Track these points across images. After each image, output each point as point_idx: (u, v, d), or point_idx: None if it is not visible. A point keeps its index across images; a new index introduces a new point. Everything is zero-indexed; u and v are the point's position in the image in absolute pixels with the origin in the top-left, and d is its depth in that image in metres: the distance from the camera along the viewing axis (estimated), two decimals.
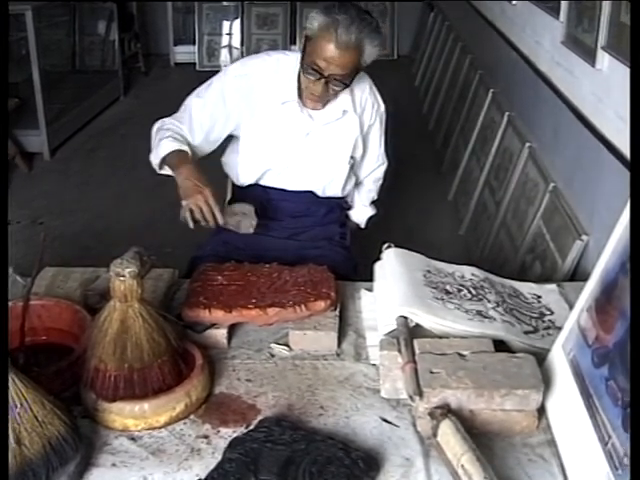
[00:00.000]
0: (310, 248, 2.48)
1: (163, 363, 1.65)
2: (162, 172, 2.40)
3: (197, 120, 2.45)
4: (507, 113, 4.22)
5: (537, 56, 3.79)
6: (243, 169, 2.57)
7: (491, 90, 4.70)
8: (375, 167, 2.79)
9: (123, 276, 1.61)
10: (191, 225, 2.23)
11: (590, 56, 2.79)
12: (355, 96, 2.53)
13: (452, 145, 5.46)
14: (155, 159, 2.38)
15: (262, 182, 2.57)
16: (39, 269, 1.94)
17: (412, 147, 6.04)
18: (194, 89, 2.54)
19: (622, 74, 2.45)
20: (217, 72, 2.56)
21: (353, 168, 2.69)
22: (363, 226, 2.90)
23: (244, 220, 2.35)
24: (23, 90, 6.13)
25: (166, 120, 2.46)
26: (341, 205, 2.76)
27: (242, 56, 8.51)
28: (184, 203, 2.24)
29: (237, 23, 8.75)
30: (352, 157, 2.62)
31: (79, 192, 5.29)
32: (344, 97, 2.47)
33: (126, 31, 8.05)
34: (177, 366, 1.68)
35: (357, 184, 2.80)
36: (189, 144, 2.42)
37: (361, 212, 2.88)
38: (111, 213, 4.86)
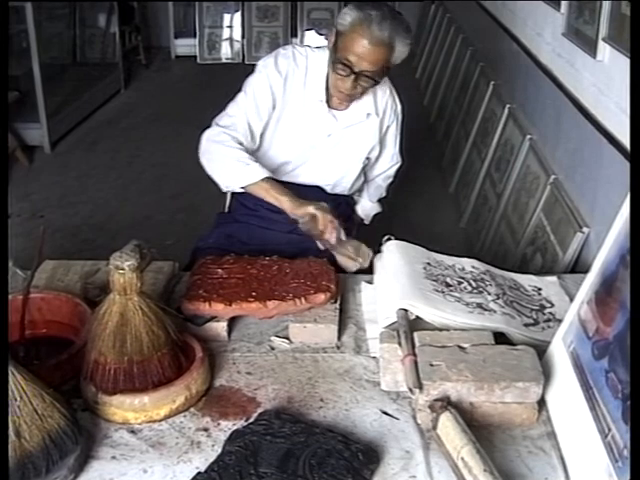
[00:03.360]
0: (312, 242, 2.47)
1: (163, 356, 1.65)
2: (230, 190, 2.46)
3: (254, 126, 2.44)
4: (508, 105, 4.21)
5: (538, 48, 3.78)
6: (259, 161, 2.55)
7: (492, 82, 4.69)
8: (388, 166, 2.80)
9: (122, 269, 1.61)
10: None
11: (591, 48, 2.78)
12: (377, 98, 2.54)
13: (453, 137, 5.46)
14: (238, 182, 2.33)
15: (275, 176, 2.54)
16: (39, 262, 1.94)
17: (413, 140, 6.01)
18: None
19: (623, 65, 2.44)
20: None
21: (365, 167, 2.70)
22: (367, 222, 2.90)
23: (359, 252, 2.23)
24: (23, 83, 6.12)
25: (227, 132, 2.38)
26: (347, 201, 2.77)
27: (243, 49, 8.52)
28: (304, 211, 2.22)
29: (238, 16, 8.74)
30: (367, 158, 2.64)
31: (79, 185, 5.29)
32: (367, 100, 2.48)
33: (127, 24, 8.04)
34: (177, 359, 1.68)
35: (368, 181, 2.81)
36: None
37: (367, 208, 2.88)
38: (112, 206, 4.86)
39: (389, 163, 2.78)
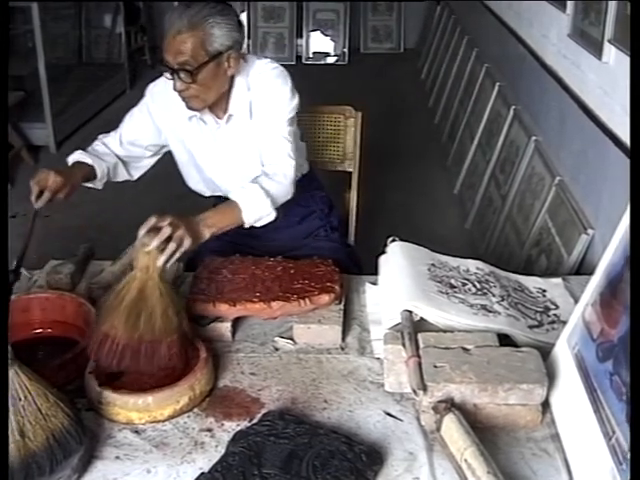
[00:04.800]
0: (294, 249, 2.41)
1: (172, 342, 1.68)
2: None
3: (125, 138, 2.48)
4: (513, 106, 4.21)
5: (543, 49, 3.78)
6: (193, 185, 2.56)
7: (497, 83, 4.69)
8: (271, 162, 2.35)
9: (148, 248, 1.73)
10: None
11: (597, 49, 2.78)
12: (241, 98, 2.35)
13: (458, 138, 5.45)
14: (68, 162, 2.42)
15: (218, 192, 2.50)
16: (28, 242, 2.08)
17: (418, 140, 6.04)
18: None
19: (628, 67, 2.43)
20: None
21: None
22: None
23: None
24: (29, 83, 6.13)
25: (102, 137, 2.51)
26: (312, 197, 2.62)
27: (248, 49, 8.54)
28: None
29: (243, 16, 8.74)
30: None
31: (84, 185, 5.28)
32: (233, 102, 2.34)
33: (132, 24, 8.05)
34: (184, 350, 1.71)
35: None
36: (119, 157, 2.47)
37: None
38: (116, 206, 4.85)
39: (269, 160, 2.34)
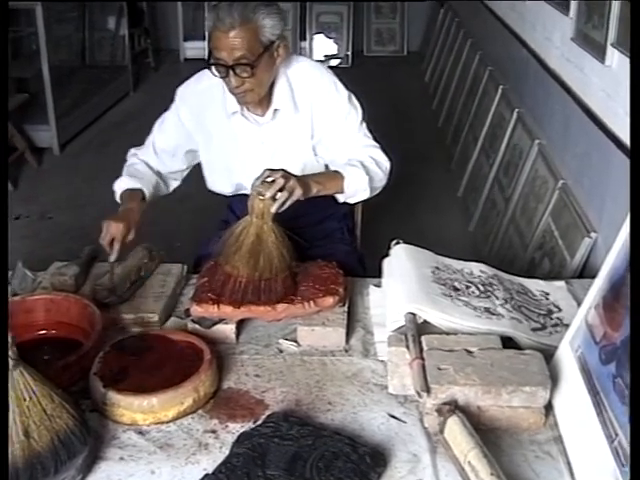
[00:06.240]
0: (310, 248, 2.43)
1: (286, 277, 1.94)
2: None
3: (159, 148, 2.46)
4: (517, 109, 4.21)
5: (547, 52, 3.78)
6: (215, 186, 2.54)
7: (501, 86, 4.69)
8: (354, 156, 2.37)
9: (263, 195, 1.91)
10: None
11: (600, 53, 2.78)
12: (276, 92, 2.36)
13: (462, 141, 5.46)
14: (115, 192, 2.39)
15: (243, 191, 2.43)
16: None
17: (422, 143, 6.04)
18: None
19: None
20: None
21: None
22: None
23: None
24: (33, 85, 6.14)
25: (135, 152, 2.49)
26: (333, 199, 2.47)
27: None
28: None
29: None
30: (315, 154, 2.45)
31: (88, 187, 5.29)
32: (277, 96, 2.35)
33: (136, 26, 8.07)
34: (294, 282, 1.98)
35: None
36: (159, 172, 2.46)
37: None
38: (119, 208, 4.86)
39: (352, 154, 2.39)
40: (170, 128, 2.46)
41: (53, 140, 5.95)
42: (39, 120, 5.91)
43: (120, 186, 2.35)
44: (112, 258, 2.10)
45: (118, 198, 2.35)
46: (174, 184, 2.54)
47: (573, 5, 3.25)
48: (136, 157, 2.46)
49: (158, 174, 2.45)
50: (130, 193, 2.31)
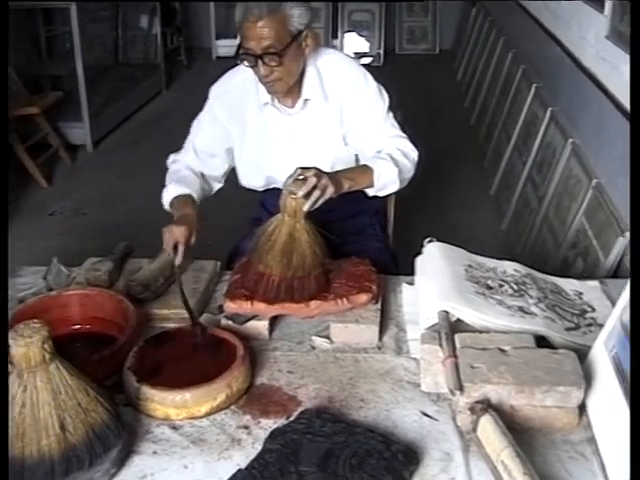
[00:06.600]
0: (343, 244, 2.42)
1: (319, 275, 1.95)
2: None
3: (199, 149, 2.46)
4: (550, 108, 4.19)
5: (581, 51, 3.75)
6: (248, 181, 2.54)
7: (534, 85, 4.66)
8: (382, 147, 2.37)
9: (295, 194, 1.91)
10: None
11: None
12: (306, 82, 2.38)
13: (494, 140, 5.43)
14: (165, 201, 2.37)
15: (275, 185, 2.46)
16: (184, 298, 1.94)
17: (454, 141, 6.02)
18: None
19: None
20: None
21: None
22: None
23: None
24: (67, 83, 6.22)
25: (176, 158, 2.48)
26: (364, 194, 2.44)
27: None
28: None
29: None
30: (346, 143, 2.45)
31: (121, 184, 5.34)
32: (307, 86, 2.37)
33: (169, 25, 8.12)
34: (327, 279, 1.98)
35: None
36: (202, 174, 2.45)
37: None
38: (153, 205, 4.86)
39: (380, 144, 2.38)
40: (207, 127, 2.47)
41: (87, 137, 6.00)
42: (73, 118, 5.97)
43: (169, 194, 2.34)
44: (177, 262, 2.06)
45: (168, 206, 2.33)
46: (217, 186, 2.54)
47: (608, 3, 3.22)
48: (178, 163, 2.46)
49: (201, 176, 2.45)
50: (182, 199, 2.30)
